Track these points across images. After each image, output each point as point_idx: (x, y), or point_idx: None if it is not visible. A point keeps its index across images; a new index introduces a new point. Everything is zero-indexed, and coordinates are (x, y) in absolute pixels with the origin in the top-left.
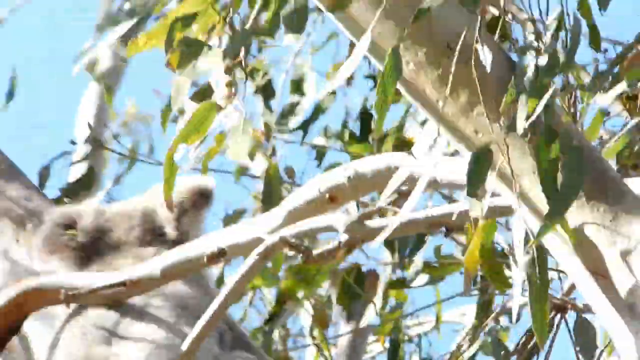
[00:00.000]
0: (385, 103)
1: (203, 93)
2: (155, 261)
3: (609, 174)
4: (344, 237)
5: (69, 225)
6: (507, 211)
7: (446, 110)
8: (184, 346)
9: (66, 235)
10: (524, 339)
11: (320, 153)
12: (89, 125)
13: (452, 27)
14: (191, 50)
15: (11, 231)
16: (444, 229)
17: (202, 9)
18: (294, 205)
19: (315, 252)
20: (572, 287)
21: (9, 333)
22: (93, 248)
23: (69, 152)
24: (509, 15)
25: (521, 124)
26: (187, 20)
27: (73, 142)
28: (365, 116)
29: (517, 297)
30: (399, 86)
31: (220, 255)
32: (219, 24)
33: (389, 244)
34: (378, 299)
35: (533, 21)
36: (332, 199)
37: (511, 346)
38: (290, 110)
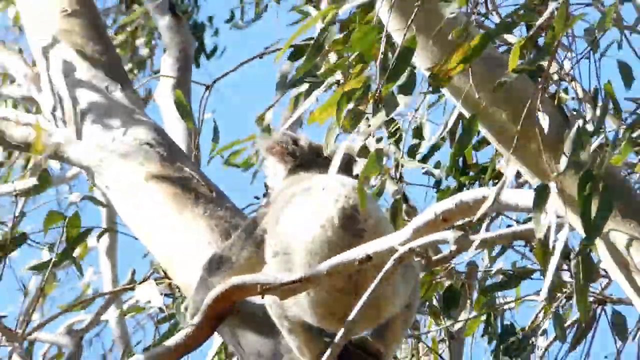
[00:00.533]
0: (459, 151)
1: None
2: (322, 265)
3: (637, 198)
4: (453, 247)
5: (293, 139)
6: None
7: (521, 154)
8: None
9: (289, 145)
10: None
11: (437, 182)
12: None
13: (523, 94)
14: (357, 116)
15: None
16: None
17: (360, 87)
18: (417, 224)
19: (434, 257)
20: (608, 285)
21: (220, 318)
22: (301, 160)
23: None
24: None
25: (563, 167)
26: (350, 94)
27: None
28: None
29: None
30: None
31: (367, 260)
32: (372, 98)
33: None
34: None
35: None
36: (445, 219)
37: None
38: (413, 150)
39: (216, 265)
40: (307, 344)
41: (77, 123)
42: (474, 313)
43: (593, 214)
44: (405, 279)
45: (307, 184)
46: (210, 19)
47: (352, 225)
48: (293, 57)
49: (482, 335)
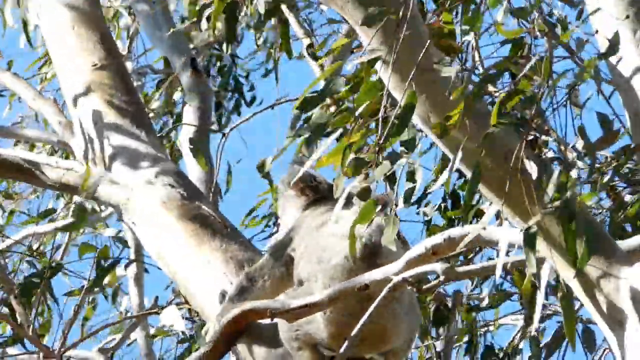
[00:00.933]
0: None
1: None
2: (324, 292)
3: (605, 236)
4: (442, 277)
5: (314, 176)
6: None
7: (505, 196)
8: None
9: (311, 182)
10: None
11: (428, 221)
12: None
13: (508, 144)
14: (359, 164)
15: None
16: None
17: (362, 141)
18: (410, 257)
19: (424, 286)
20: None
21: (237, 336)
22: (319, 195)
23: None
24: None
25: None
26: (353, 145)
27: None
28: (454, 196)
29: (538, 313)
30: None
31: (365, 288)
32: (373, 149)
33: None
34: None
35: (558, 141)
36: (434, 253)
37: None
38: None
39: (239, 291)
40: None
41: (106, 164)
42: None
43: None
44: (409, 316)
45: (333, 216)
46: (246, 75)
47: (372, 259)
48: (302, 108)
49: (465, 355)
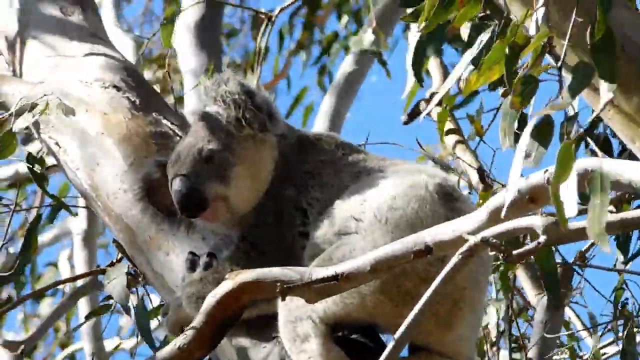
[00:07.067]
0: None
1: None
2: (365, 257)
3: None
4: (542, 238)
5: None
6: None
7: None
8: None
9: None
10: None
11: None
12: None
13: None
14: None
15: None
16: None
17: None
18: (495, 205)
19: (515, 252)
20: None
21: (228, 323)
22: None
23: None
24: None
25: None
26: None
27: None
28: None
29: None
30: None
31: (426, 252)
32: None
33: None
34: None
35: None
36: (533, 199)
37: None
38: None
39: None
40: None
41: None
42: None
43: None
44: (486, 281)
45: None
46: None
47: (449, 201)
48: None
49: None
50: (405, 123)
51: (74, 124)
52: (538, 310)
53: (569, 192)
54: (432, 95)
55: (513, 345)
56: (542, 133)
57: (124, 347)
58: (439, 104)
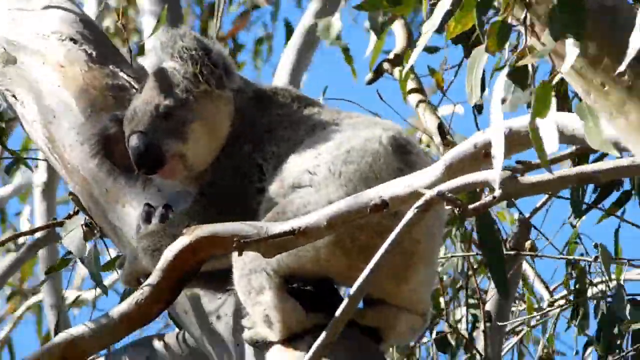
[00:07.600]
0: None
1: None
2: (322, 212)
3: None
4: (498, 192)
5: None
6: None
7: None
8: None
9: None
10: None
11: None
12: None
13: None
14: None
15: None
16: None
17: None
18: (450, 160)
19: (470, 206)
20: None
21: (186, 278)
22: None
23: None
24: None
25: None
26: None
27: None
28: None
29: None
30: None
31: (382, 207)
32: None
33: None
34: None
35: None
36: (487, 154)
37: None
38: None
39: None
40: (282, 310)
41: None
42: None
43: None
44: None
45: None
46: None
47: (403, 154)
48: None
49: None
50: (369, 83)
51: (31, 77)
52: None
53: (548, 127)
54: (396, 55)
55: (470, 300)
56: (518, 77)
57: (85, 297)
58: (400, 63)
